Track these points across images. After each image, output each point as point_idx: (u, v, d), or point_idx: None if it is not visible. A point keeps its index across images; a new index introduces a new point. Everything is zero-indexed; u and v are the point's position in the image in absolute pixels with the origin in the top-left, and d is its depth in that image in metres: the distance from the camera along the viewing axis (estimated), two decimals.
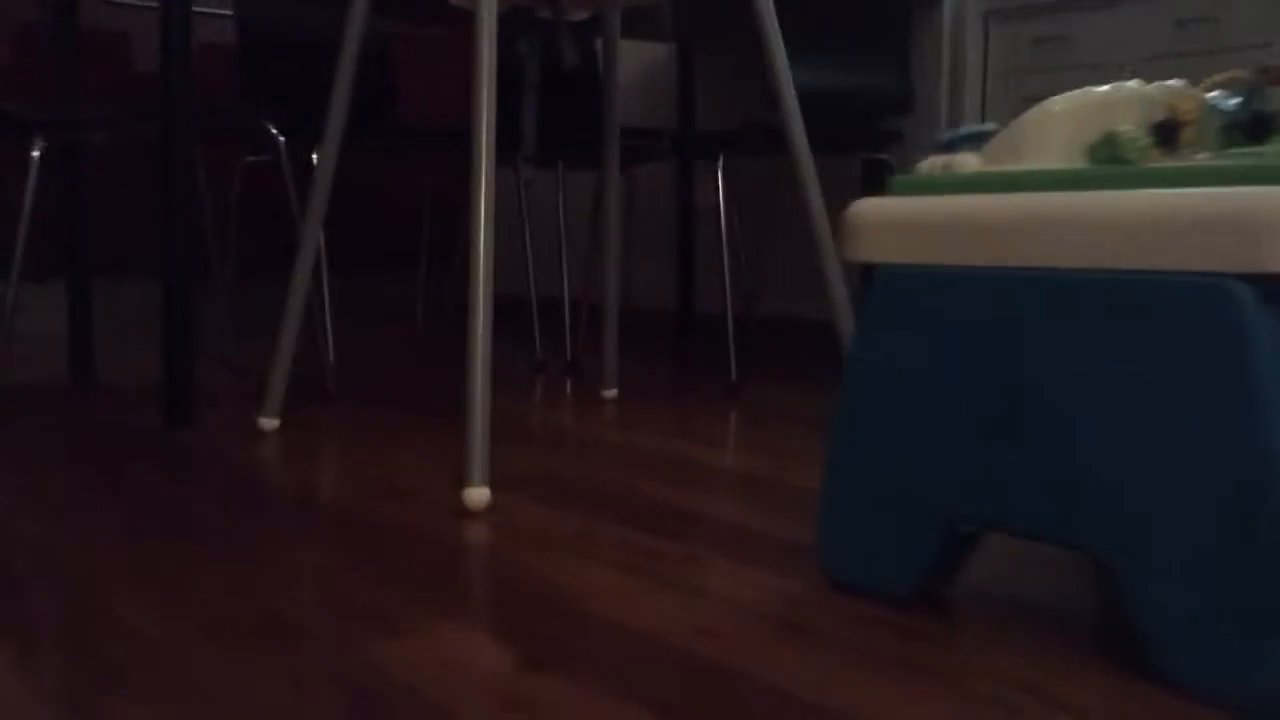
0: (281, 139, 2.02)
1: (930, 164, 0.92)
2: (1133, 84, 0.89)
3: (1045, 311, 0.80)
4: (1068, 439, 0.78)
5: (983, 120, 2.45)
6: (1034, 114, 0.87)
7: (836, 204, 2.82)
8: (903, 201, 0.88)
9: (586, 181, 3.47)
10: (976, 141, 0.91)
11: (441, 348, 2.80)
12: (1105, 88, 0.87)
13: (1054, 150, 0.85)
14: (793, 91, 1.51)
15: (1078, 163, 0.85)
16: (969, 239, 0.84)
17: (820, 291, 2.80)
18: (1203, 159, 0.81)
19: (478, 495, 1.17)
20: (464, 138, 2.83)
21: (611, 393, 1.95)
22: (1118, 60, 2.27)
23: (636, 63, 3.29)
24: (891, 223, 0.88)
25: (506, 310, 3.69)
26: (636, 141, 2.50)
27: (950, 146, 0.92)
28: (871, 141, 2.37)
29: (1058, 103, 0.86)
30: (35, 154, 1.86)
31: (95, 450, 1.50)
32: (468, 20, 2.78)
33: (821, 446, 1.53)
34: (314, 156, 2.12)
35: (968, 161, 0.89)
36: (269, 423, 1.63)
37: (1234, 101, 0.87)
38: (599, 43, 2.73)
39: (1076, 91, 0.87)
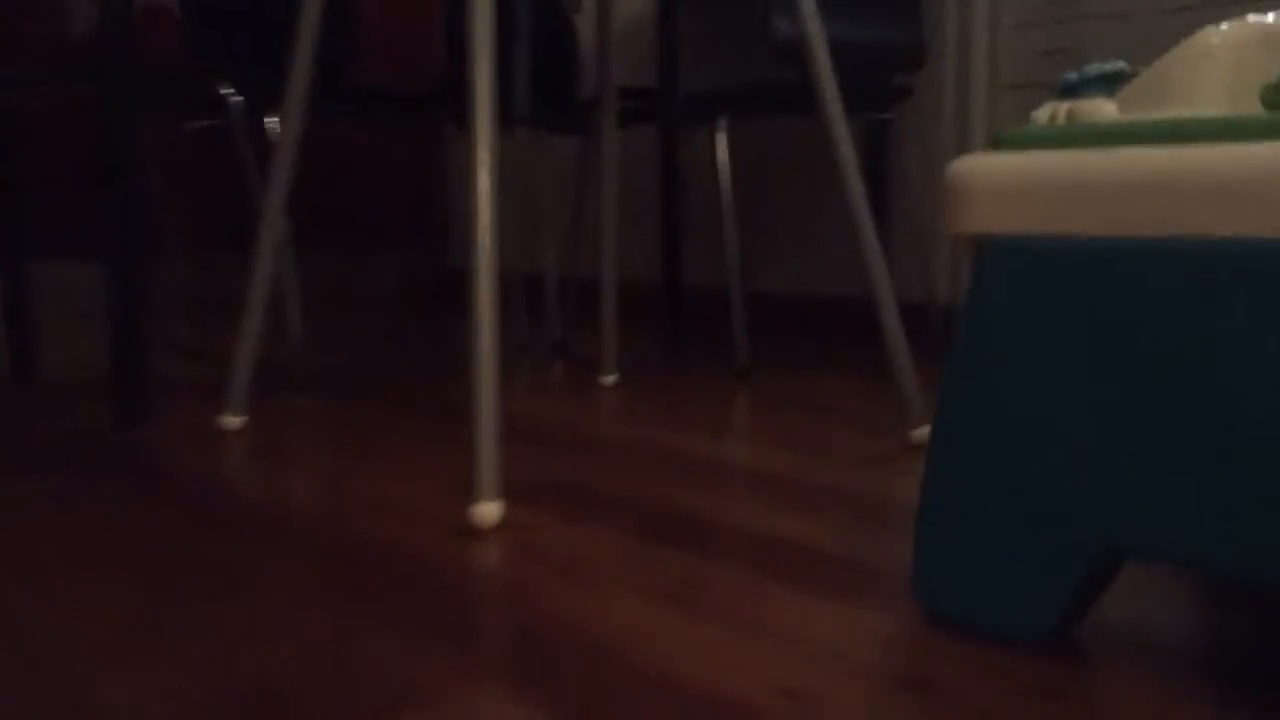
0: (238, 100, 1.82)
1: (1052, 111, 0.76)
2: None
3: (1229, 290, 0.64)
4: (1265, 449, 0.63)
5: (992, 76, 2.30)
6: (1186, 49, 0.70)
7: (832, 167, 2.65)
8: (1026, 158, 0.72)
9: (561, 146, 3.28)
10: (1108, 84, 0.75)
11: (418, 331, 2.62)
12: (1270, 16, 0.71)
13: (1213, 93, 0.69)
14: (824, 42, 1.34)
15: (1246, 107, 0.69)
16: (1121, 203, 0.67)
17: (825, 263, 2.64)
18: None
19: (489, 512, 1.00)
20: (437, 101, 2.64)
21: (611, 379, 1.78)
22: (1141, 9, 2.12)
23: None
24: (1014, 184, 0.72)
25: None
26: (627, 103, 2.32)
27: (1073, 91, 0.75)
28: (880, 99, 2.21)
29: (1214, 35, 0.70)
30: None
31: (34, 456, 1.31)
32: None
33: (858, 440, 1.38)
34: (266, 121, 1.93)
35: (1102, 108, 0.73)
36: (232, 421, 1.45)
37: None
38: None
39: (1234, 22, 0.71)
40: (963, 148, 2.34)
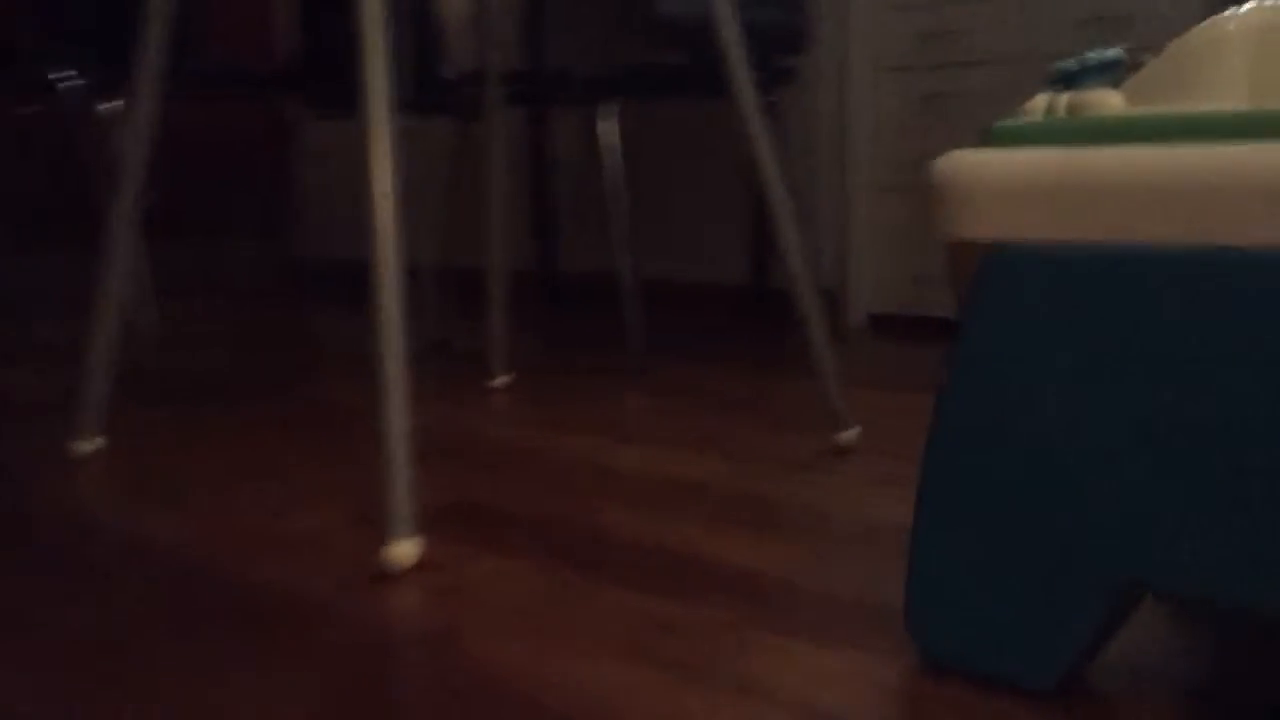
0: (74, 84, 1.64)
1: (1049, 103, 0.69)
2: None
3: (1265, 305, 0.58)
4: None
5: (873, 58, 2.26)
6: (1202, 35, 0.64)
7: (714, 152, 2.59)
8: (1031, 155, 0.65)
9: (424, 130, 3.13)
10: (1108, 73, 0.68)
11: (279, 326, 2.45)
12: None
13: (1232, 84, 0.64)
14: (735, 23, 1.25)
15: (1270, 100, 0.63)
16: (1143, 206, 0.61)
17: (708, 251, 2.57)
18: None
19: (405, 551, 0.89)
20: (288, 79, 2.47)
21: (503, 380, 1.67)
22: None
23: None
24: (1021, 185, 0.65)
25: (348, 278, 3.33)
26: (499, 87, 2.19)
27: (1071, 80, 0.69)
28: (763, 81, 2.14)
29: (1231, 20, 0.64)
30: None
31: None
32: None
33: (780, 442, 1.31)
34: (101, 106, 1.75)
35: (1107, 100, 0.66)
36: (88, 444, 1.29)
37: None
38: None
39: (1251, 6, 0.65)
40: (844, 130, 2.30)
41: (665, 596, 0.84)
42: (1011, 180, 0.66)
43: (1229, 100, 0.63)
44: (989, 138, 0.69)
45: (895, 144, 2.24)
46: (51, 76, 1.75)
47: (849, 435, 1.24)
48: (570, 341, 2.12)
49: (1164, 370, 0.61)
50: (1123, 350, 0.62)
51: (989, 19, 2.12)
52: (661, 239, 2.66)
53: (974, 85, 2.14)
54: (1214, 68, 0.63)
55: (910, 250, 2.19)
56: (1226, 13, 0.64)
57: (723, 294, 2.55)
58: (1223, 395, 0.59)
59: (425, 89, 2.36)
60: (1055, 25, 2.03)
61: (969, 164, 0.67)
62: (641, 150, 2.68)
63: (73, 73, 1.65)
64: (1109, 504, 0.63)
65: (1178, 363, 0.60)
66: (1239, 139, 0.59)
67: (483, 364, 1.83)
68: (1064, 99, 0.68)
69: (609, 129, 1.83)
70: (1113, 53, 0.68)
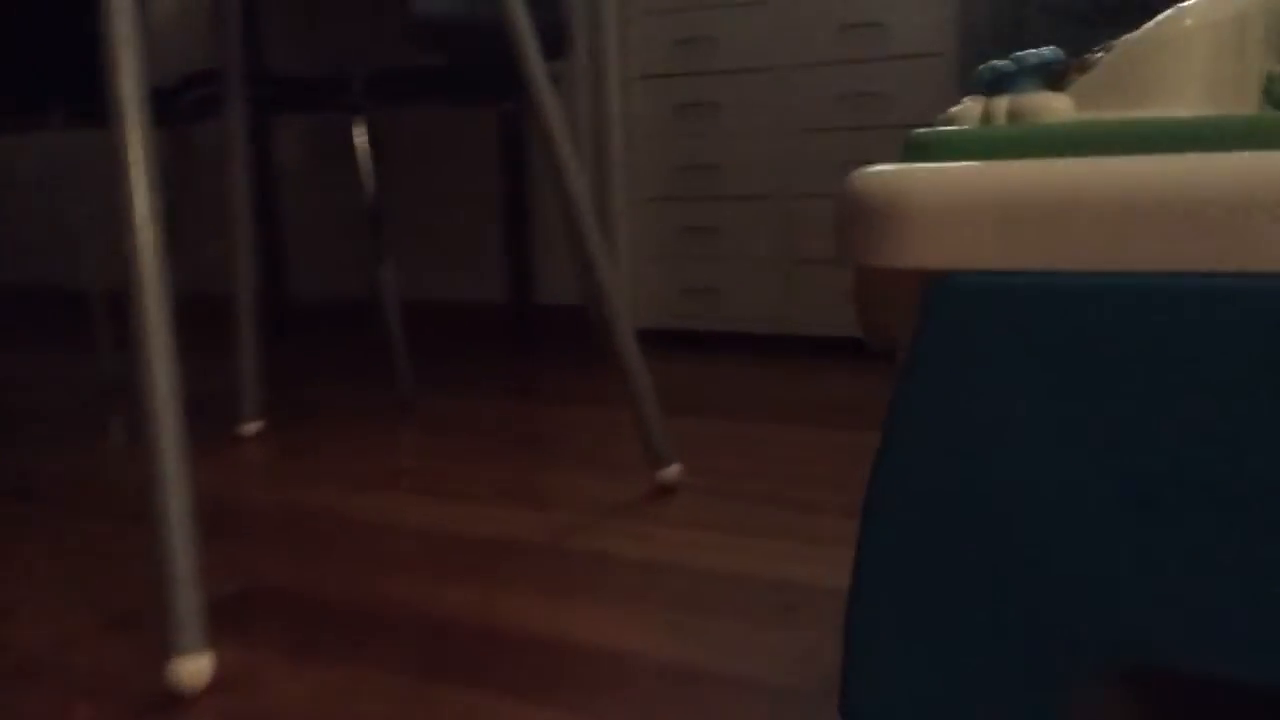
0: None
1: (984, 108, 0.60)
2: None
3: (1262, 337, 0.51)
4: None
5: (625, 64, 2.18)
6: (1159, 32, 0.57)
7: (468, 164, 2.43)
8: (979, 170, 0.56)
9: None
10: (1042, 76, 0.60)
11: None
12: None
13: (1194, 86, 0.57)
14: (527, 16, 1.12)
15: (1224, 103, 0.57)
16: (1116, 228, 0.53)
17: (457, 267, 2.40)
18: None
19: (197, 670, 0.71)
20: None
21: (254, 426, 1.45)
22: None
23: None
24: (966, 204, 0.56)
25: (32, 309, 2.92)
26: (206, 88, 1.95)
27: (1002, 84, 0.60)
28: (516, 88, 2.01)
29: (1189, 15, 0.58)
30: None
31: None
32: None
33: (593, 484, 1.18)
34: None
35: (1053, 105, 0.58)
36: None
37: None
38: None
39: None
40: (600, 139, 2.21)
41: (526, 700, 0.70)
42: (955, 199, 0.56)
43: (1186, 104, 0.56)
44: (916, 149, 0.60)
45: (653, 153, 2.17)
46: None
47: (671, 472, 1.14)
48: (315, 377, 1.91)
49: (1149, 415, 0.53)
50: (1099, 394, 0.54)
51: (744, 26, 2.08)
52: (407, 255, 2.47)
53: (731, 94, 2.10)
54: (1175, 68, 0.57)
55: (676, 262, 2.13)
56: (1181, 6, 0.58)
57: (478, 312, 2.40)
58: (1219, 440, 0.52)
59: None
60: (810, 33, 2.01)
61: (899, 180, 0.58)
62: (381, 159, 2.48)
63: None
64: (1090, 570, 0.55)
65: (1166, 403, 0.53)
66: (1232, 149, 0.52)
67: (227, 407, 1.60)
68: (1002, 104, 0.59)
69: (361, 136, 1.64)
70: (1048, 51, 0.60)
